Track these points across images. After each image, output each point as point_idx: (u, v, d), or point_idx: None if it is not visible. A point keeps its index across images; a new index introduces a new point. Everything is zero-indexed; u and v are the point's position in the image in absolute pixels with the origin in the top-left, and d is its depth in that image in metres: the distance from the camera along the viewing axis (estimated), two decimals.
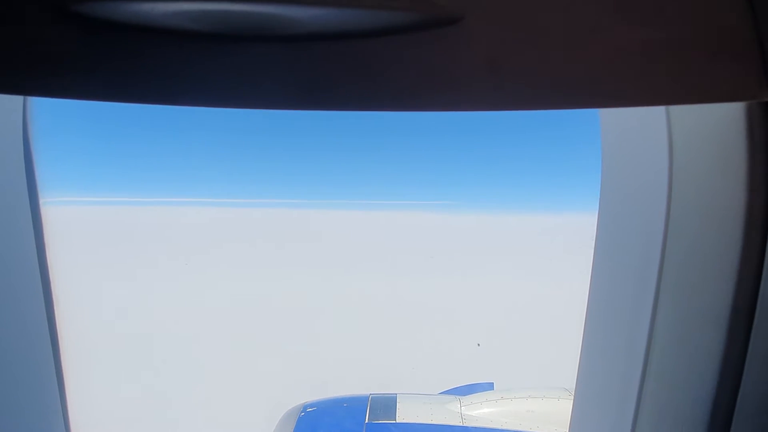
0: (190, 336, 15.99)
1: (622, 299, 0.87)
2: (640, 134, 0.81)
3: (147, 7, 0.60)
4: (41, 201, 1.00)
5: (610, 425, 0.89)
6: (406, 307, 20.01)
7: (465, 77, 0.60)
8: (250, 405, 10.71)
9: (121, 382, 12.15)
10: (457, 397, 4.70)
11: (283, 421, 4.19)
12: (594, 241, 0.96)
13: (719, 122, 0.68)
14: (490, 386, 5.18)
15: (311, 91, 0.65)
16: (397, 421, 4.18)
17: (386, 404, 4.41)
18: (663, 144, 0.73)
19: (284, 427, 4.08)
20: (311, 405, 4.44)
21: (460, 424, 4.20)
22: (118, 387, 11.76)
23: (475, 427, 4.17)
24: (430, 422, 4.19)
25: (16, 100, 0.92)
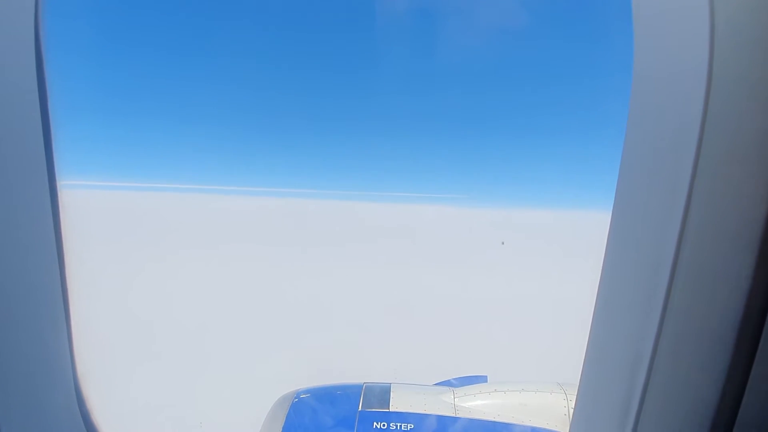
0: (197, 323, 16.10)
1: (634, 289, 0.84)
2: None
3: None
4: (59, 184, 1.02)
5: (613, 423, 0.87)
6: (415, 297, 20.10)
7: None
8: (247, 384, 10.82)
9: (134, 367, 12.28)
10: (451, 388, 4.71)
11: (275, 408, 4.20)
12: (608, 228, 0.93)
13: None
14: (483, 379, 5.19)
15: None
16: (391, 410, 4.19)
17: (380, 393, 4.42)
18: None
19: (277, 413, 4.08)
20: (304, 392, 4.45)
21: (453, 415, 4.21)
22: (131, 374, 11.88)
23: (468, 418, 4.18)
24: (423, 412, 4.20)
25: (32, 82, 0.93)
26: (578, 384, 1.02)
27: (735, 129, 0.64)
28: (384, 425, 3.99)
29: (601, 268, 0.96)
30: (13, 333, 0.94)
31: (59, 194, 1.02)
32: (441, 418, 4.15)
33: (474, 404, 4.35)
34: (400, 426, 4.01)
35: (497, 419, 4.18)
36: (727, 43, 0.64)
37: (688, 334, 0.72)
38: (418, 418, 4.12)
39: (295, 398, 4.29)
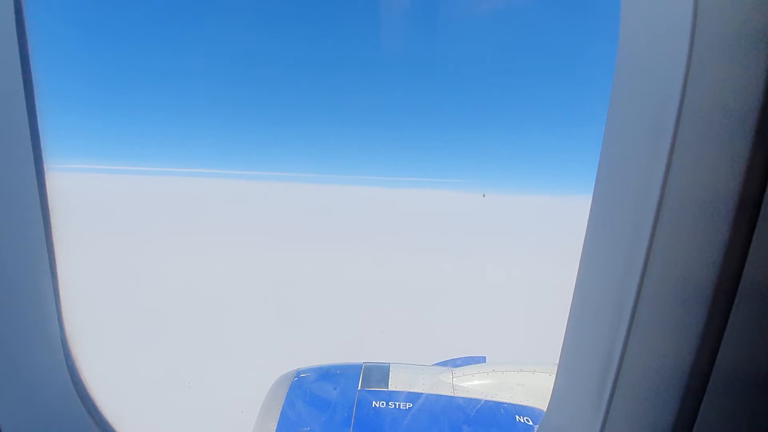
0: (193, 300, 16.29)
1: (615, 258, 0.87)
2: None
3: None
4: (47, 167, 1.01)
5: (591, 389, 0.91)
6: (418, 281, 20.25)
7: None
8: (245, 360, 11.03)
9: (130, 351, 12.47)
10: (450, 368, 4.75)
11: (275, 387, 4.25)
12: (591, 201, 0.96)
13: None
14: (482, 360, 5.23)
15: None
16: (390, 389, 4.24)
17: (379, 373, 4.47)
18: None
19: (276, 392, 4.14)
20: (304, 371, 4.50)
21: (451, 394, 4.26)
22: (129, 359, 12.08)
23: (465, 398, 4.23)
24: (421, 391, 4.25)
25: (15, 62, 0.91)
26: (561, 350, 1.08)
27: (711, 108, 0.68)
28: (383, 404, 4.05)
29: (581, 249, 1.00)
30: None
31: (46, 177, 1.01)
32: (439, 398, 4.20)
33: (472, 384, 4.39)
34: (399, 405, 4.06)
35: (495, 399, 4.23)
36: (708, 33, 0.66)
37: (660, 314, 0.77)
38: (416, 397, 4.18)
39: (295, 377, 4.34)
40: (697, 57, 0.67)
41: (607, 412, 0.84)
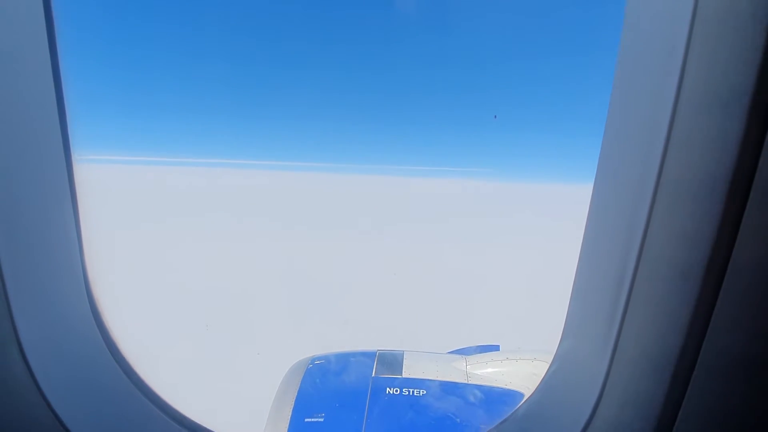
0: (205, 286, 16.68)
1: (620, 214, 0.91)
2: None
3: None
4: (75, 158, 1.06)
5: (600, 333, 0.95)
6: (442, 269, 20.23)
7: None
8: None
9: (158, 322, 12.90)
10: (463, 356, 4.75)
11: (290, 373, 4.32)
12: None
13: None
14: (496, 348, 5.21)
15: None
16: (404, 376, 4.27)
17: (393, 360, 4.49)
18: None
19: (292, 379, 4.21)
20: (319, 358, 4.56)
21: (465, 382, 4.26)
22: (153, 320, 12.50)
23: (479, 385, 4.23)
24: (435, 378, 4.27)
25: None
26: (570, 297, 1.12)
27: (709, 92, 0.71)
28: (397, 391, 4.08)
29: (584, 229, 1.06)
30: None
31: (74, 167, 1.06)
32: (453, 385, 4.21)
33: (486, 372, 4.39)
34: (413, 392, 4.08)
35: (509, 387, 4.22)
36: (706, 27, 0.69)
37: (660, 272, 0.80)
38: (430, 384, 4.19)
39: (310, 364, 4.41)
40: (694, 50, 0.71)
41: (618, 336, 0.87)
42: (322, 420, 3.71)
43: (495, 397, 4.12)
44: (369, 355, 4.59)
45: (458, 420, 3.82)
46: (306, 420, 3.70)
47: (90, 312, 1.14)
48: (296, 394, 3.97)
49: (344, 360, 4.60)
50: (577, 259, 1.06)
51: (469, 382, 4.26)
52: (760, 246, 0.69)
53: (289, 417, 3.71)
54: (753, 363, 0.73)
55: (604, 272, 0.93)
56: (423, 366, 4.43)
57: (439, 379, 4.27)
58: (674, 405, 0.78)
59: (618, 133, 0.95)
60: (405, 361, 4.47)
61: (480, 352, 4.93)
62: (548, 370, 1.21)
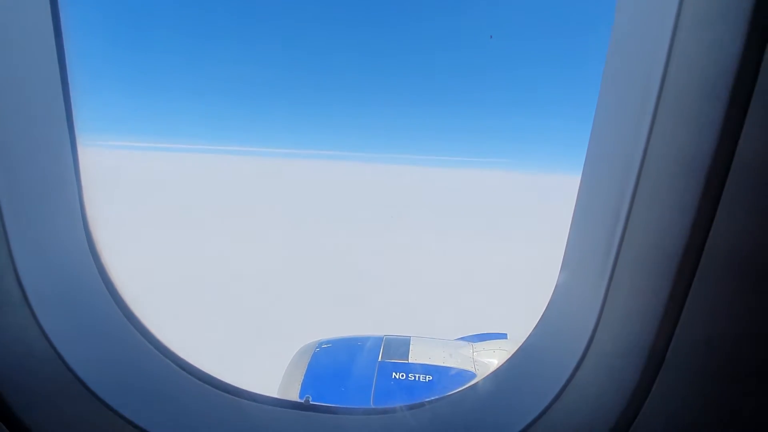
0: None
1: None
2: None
3: None
4: (79, 141, 1.10)
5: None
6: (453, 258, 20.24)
7: None
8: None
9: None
10: (470, 343, 4.72)
11: (297, 357, 4.36)
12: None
13: None
14: (503, 336, 5.17)
15: None
16: (410, 361, 4.26)
17: (400, 345, 4.50)
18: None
19: (299, 362, 4.24)
20: (326, 342, 4.58)
21: (472, 370, 4.24)
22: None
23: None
24: (441, 364, 4.25)
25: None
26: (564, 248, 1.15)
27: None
28: (402, 376, 4.08)
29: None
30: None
31: (79, 150, 1.10)
32: (459, 372, 4.20)
33: (492, 360, 4.36)
34: (419, 377, 4.08)
35: None
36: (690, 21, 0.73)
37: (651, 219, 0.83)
38: (436, 370, 4.18)
39: (317, 348, 4.44)
40: (680, 37, 0.74)
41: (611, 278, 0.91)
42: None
43: None
44: (375, 340, 4.60)
45: None
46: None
47: (86, 244, 1.18)
48: (302, 377, 4.00)
49: (351, 344, 4.62)
50: (576, 195, 1.11)
51: (477, 371, 4.24)
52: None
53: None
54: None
55: (604, 199, 0.96)
56: (429, 352, 4.42)
57: (446, 365, 4.26)
58: (667, 334, 0.81)
59: (608, 112, 1.00)
60: (412, 347, 4.47)
61: (487, 340, 4.90)
62: (548, 303, 1.24)
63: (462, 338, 5.43)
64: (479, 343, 4.69)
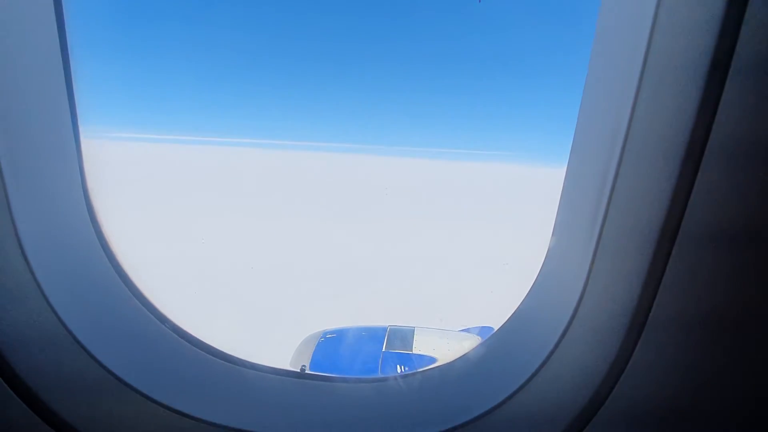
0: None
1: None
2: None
3: None
4: (82, 133, 1.09)
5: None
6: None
7: None
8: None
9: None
10: (474, 335, 4.73)
11: (302, 346, 4.40)
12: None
13: None
14: None
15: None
16: (414, 352, 4.28)
17: (404, 336, 4.51)
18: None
19: (303, 351, 4.28)
20: (331, 332, 4.61)
21: None
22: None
23: None
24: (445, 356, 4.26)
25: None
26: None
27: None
28: (406, 366, 4.10)
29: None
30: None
31: (82, 142, 1.10)
32: None
33: None
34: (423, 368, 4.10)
35: None
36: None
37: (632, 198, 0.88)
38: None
39: (322, 338, 4.47)
40: (662, 18, 0.77)
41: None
42: None
43: None
44: (380, 331, 4.62)
45: None
46: None
47: (94, 235, 1.19)
48: (307, 367, 4.04)
49: (355, 334, 4.64)
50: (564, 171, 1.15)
51: None
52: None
53: None
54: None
55: (589, 180, 1.00)
56: (433, 343, 4.44)
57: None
58: (648, 300, 0.86)
59: (592, 101, 1.03)
60: (416, 337, 4.48)
61: (491, 332, 4.90)
62: (537, 274, 1.28)
63: (466, 330, 5.44)
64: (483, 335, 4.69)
